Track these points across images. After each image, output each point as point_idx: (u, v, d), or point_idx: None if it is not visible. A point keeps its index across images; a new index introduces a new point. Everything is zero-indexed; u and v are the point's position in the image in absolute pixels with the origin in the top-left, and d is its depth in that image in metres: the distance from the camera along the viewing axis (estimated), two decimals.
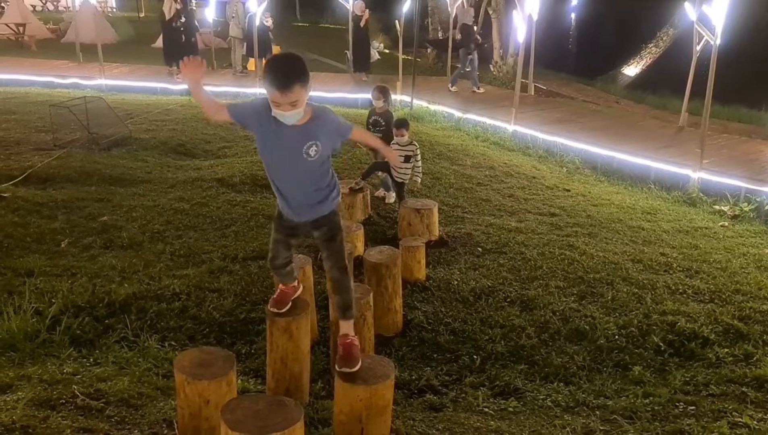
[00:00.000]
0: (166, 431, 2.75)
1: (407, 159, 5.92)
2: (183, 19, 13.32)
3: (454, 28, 14.58)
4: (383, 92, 6.55)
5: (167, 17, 13.28)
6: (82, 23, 15.91)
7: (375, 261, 4.23)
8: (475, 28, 13.39)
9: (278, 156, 2.83)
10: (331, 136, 2.87)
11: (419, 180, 6.22)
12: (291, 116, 2.65)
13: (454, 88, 13.58)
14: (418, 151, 6.03)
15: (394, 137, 6.01)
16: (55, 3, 27.19)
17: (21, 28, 18.37)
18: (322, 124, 2.80)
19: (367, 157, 7.67)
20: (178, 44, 13.15)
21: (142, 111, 10.65)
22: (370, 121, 6.59)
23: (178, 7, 13.18)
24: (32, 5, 23.85)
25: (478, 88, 13.47)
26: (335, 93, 12.63)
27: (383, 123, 6.46)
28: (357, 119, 7.84)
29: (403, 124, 6.04)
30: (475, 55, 13.27)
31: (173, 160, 8.11)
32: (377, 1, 14.34)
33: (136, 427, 2.77)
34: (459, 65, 13.89)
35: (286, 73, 2.57)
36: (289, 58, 2.64)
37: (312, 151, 2.77)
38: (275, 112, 2.65)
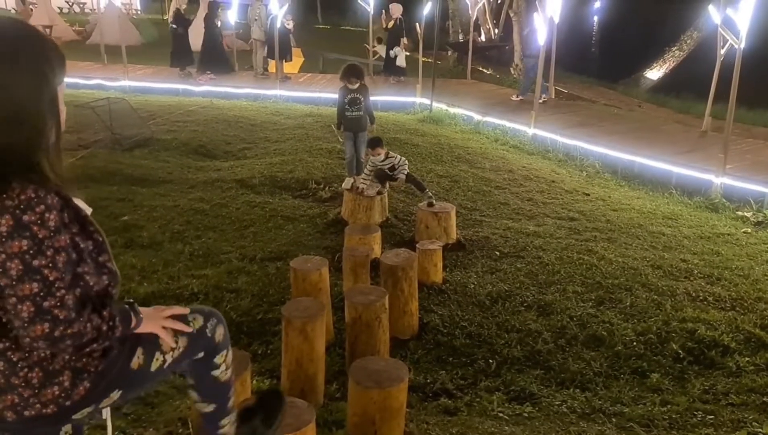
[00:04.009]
0: (180, 430, 2.78)
1: (392, 169, 5.89)
2: (219, 24, 13.71)
3: (475, 30, 14.49)
4: (358, 74, 6.32)
5: (187, 18, 13.73)
6: (107, 25, 16.14)
7: (391, 263, 4.24)
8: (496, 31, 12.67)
9: None
10: None
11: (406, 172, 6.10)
12: None
13: (542, 99, 11.76)
14: (398, 159, 5.92)
15: (370, 157, 5.92)
16: (81, 5, 27.60)
17: (48, 30, 18.69)
18: None
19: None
20: (209, 48, 13.73)
21: (164, 112, 10.78)
22: (347, 100, 6.32)
23: (215, 11, 13.59)
24: (59, 7, 24.27)
25: (542, 99, 11.53)
26: None
27: (361, 98, 6.31)
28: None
29: (377, 143, 5.91)
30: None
31: (194, 161, 8.20)
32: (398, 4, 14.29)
33: (152, 425, 2.81)
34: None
35: None
36: None
37: None
38: None
